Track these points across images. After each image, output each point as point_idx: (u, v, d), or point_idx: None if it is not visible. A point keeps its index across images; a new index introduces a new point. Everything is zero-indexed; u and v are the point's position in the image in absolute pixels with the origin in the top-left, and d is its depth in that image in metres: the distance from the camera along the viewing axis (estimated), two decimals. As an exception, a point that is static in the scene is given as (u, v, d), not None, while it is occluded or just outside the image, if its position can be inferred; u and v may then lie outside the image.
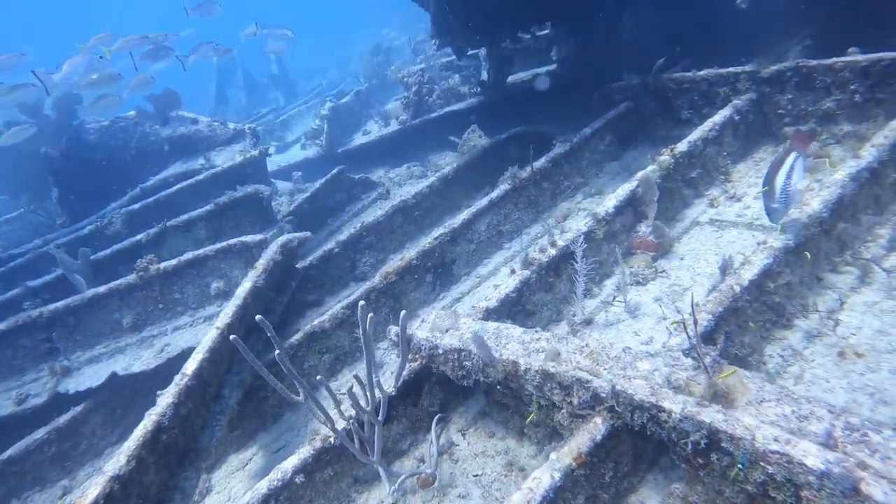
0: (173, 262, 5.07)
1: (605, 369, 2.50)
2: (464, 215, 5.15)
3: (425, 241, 4.99)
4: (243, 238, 5.03)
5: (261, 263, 4.47)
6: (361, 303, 2.67)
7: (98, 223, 6.89)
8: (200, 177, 6.98)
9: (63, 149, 7.34)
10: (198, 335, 4.95)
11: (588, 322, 3.62)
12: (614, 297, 3.70)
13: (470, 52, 8.20)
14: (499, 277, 4.96)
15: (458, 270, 5.10)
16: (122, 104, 7.43)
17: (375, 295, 4.70)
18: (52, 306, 5.12)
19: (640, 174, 4.11)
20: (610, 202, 4.08)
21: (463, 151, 7.26)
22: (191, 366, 3.55)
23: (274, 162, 9.73)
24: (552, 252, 3.88)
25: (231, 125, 7.64)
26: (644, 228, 3.95)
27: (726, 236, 3.81)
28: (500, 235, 5.26)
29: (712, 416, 2.00)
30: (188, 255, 5.07)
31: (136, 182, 7.61)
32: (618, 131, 5.68)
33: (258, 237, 4.98)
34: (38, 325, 5.14)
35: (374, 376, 2.87)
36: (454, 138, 7.71)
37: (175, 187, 6.94)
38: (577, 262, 3.59)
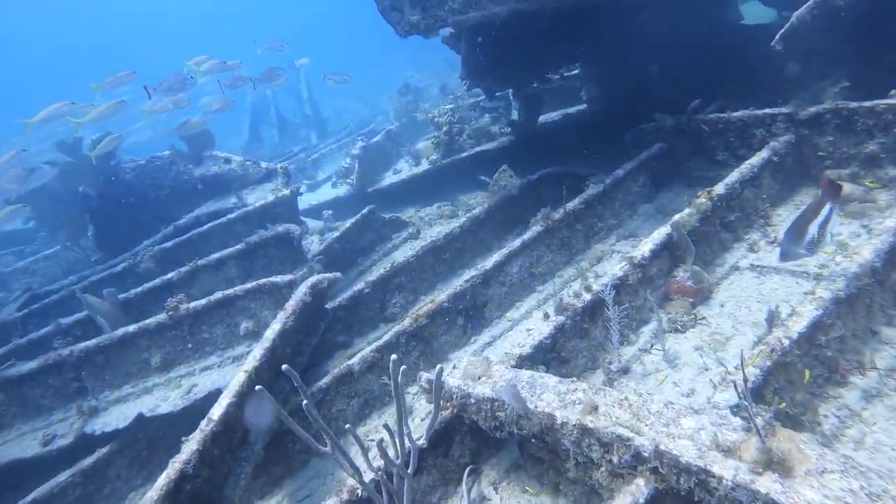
0: (203, 301, 5.08)
1: (646, 426, 2.37)
2: (496, 257, 5.08)
3: (456, 283, 4.92)
4: (273, 278, 5.02)
5: (290, 305, 4.44)
6: (394, 357, 2.59)
7: (131, 261, 6.99)
8: (232, 215, 7.05)
9: (100, 187, 7.52)
10: (225, 376, 4.92)
11: (625, 371, 3.49)
12: (652, 345, 3.57)
13: (499, 93, 8.27)
14: (531, 321, 4.86)
15: (490, 313, 5.01)
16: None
17: (405, 338, 4.62)
18: (82, 345, 5.14)
19: (676, 218, 4.01)
20: (646, 246, 3.97)
21: (494, 191, 7.23)
22: (217, 411, 3.49)
23: (305, 200, 9.83)
24: (587, 297, 3.78)
25: (263, 164, 7.76)
26: (681, 273, 3.83)
27: (769, 283, 3.67)
28: (532, 278, 5.17)
29: (769, 486, 1.86)
30: (218, 295, 5.07)
31: (169, 220, 7.73)
32: (651, 172, 5.60)
33: (288, 277, 4.97)
34: (69, 363, 5.16)
35: (405, 427, 2.78)
36: (485, 178, 7.70)
37: (207, 226, 7.02)
38: (609, 309, 3.48)
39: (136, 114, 8.23)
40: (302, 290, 4.59)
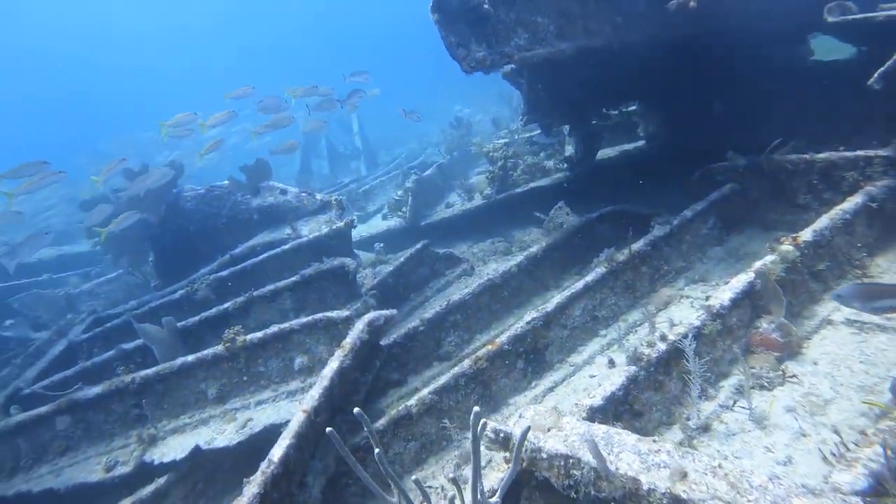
0: (259, 334, 5.05)
1: (748, 501, 2.16)
2: (557, 299, 4.92)
3: (516, 325, 4.77)
4: (329, 314, 4.97)
5: (347, 342, 4.36)
6: (476, 409, 2.46)
7: (188, 288, 7.08)
8: (287, 246, 7.09)
9: (161, 215, 7.70)
10: (280, 411, 4.86)
11: (705, 429, 3.26)
12: (734, 402, 3.33)
13: (556, 129, 8.19)
14: (594, 367, 4.66)
15: (551, 357, 4.83)
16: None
17: (465, 381, 4.48)
18: (143, 373, 5.18)
19: (759, 265, 3.79)
20: (724, 294, 3.76)
21: (549, 228, 7.10)
22: (277, 452, 3.41)
23: (356, 232, 9.86)
24: (661, 347, 3.58)
25: (318, 196, 7.83)
26: (765, 325, 3.59)
27: (873, 342, 3.39)
28: (595, 321, 4.98)
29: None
30: (274, 329, 5.05)
31: (226, 249, 7.84)
32: (721, 214, 5.37)
33: (344, 314, 4.91)
34: (130, 390, 5.20)
35: (479, 484, 2.63)
36: (540, 214, 7.58)
37: (262, 256, 7.08)
38: (689, 361, 3.27)
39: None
40: (359, 328, 4.52)
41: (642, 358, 3.53)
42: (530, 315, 4.84)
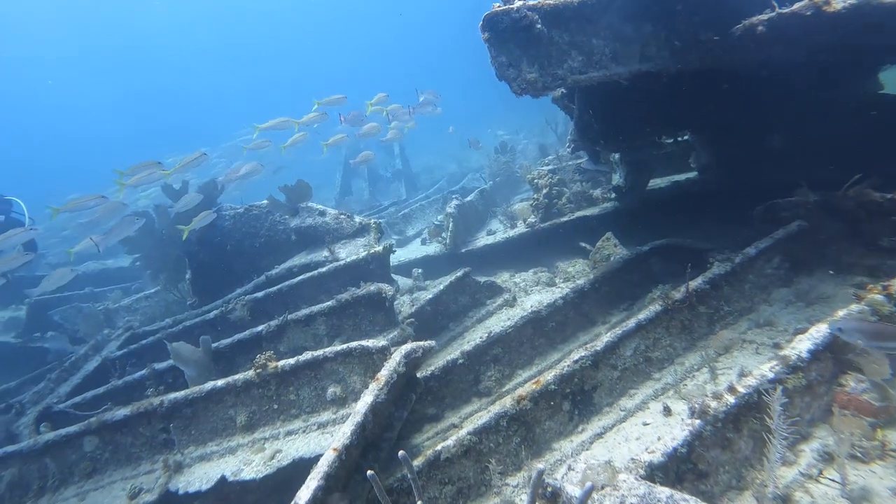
0: (291, 361, 4.85)
1: None
2: (608, 337, 4.59)
3: (563, 364, 4.45)
4: (364, 343, 4.74)
5: (383, 375, 4.11)
6: (539, 466, 2.17)
7: (223, 308, 6.96)
8: (324, 269, 6.93)
9: (200, 233, 7.65)
10: (310, 443, 4.63)
11: (784, 500, 2.88)
12: (820, 471, 2.95)
13: (604, 157, 7.91)
14: (648, 413, 4.31)
15: (600, 400, 4.49)
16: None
17: (506, 421, 4.17)
18: (172, 396, 5.02)
19: (843, 314, 3.41)
20: (803, 343, 3.38)
21: (595, 260, 6.81)
22: (304, 495, 3.15)
23: (394, 257, 9.68)
24: (730, 400, 3.22)
25: (357, 219, 7.67)
26: (853, 384, 3.20)
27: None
28: (648, 363, 4.63)
29: None
30: (307, 356, 4.83)
31: (262, 269, 7.73)
32: (789, 253, 4.98)
33: (380, 343, 4.67)
34: (158, 414, 5.04)
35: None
36: (585, 245, 7.30)
37: (298, 278, 6.93)
38: (772, 419, 2.90)
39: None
40: (395, 360, 4.27)
41: (708, 411, 3.17)
42: (578, 353, 4.52)
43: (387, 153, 21.63)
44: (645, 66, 4.56)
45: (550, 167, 9.40)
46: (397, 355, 4.36)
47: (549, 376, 4.36)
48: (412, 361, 4.47)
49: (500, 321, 6.36)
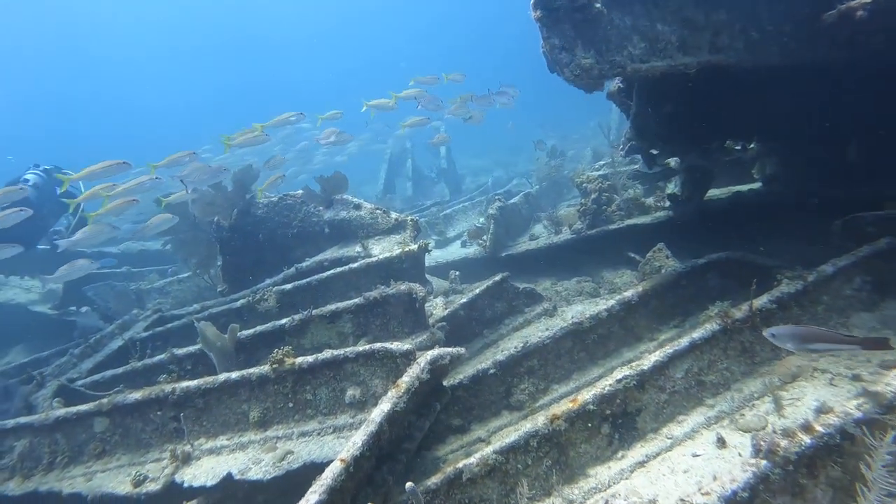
0: (310, 359, 4.54)
1: None
2: (656, 356, 4.11)
3: (605, 382, 4.00)
4: (388, 345, 4.39)
5: (404, 382, 3.75)
6: None
7: (250, 298, 6.74)
8: (355, 265, 6.62)
9: (233, 220, 7.47)
10: (324, 447, 4.30)
11: (873, 567, 2.38)
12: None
13: (660, 163, 7.39)
14: (698, 443, 3.80)
15: (644, 424, 4.02)
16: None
17: (537, 442, 3.75)
18: (184, 384, 4.78)
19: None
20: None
21: (645, 272, 6.31)
22: (304, 510, 2.81)
23: (432, 257, 9.37)
24: (805, 440, 2.72)
25: (393, 215, 7.35)
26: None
27: None
28: (701, 387, 4.13)
29: None
30: (326, 355, 4.52)
31: (293, 261, 7.49)
32: (873, 274, 4.40)
33: (405, 347, 4.31)
34: (170, 401, 4.81)
35: None
36: (634, 255, 6.81)
37: (328, 272, 6.64)
38: (872, 468, 2.40)
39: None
40: (420, 366, 3.90)
41: (776, 450, 2.69)
42: (622, 371, 4.07)
43: (433, 153, 21.37)
44: (715, 58, 4.08)
45: (601, 172, 8.90)
46: (422, 361, 3.99)
47: (587, 395, 3.92)
48: (438, 369, 4.10)
49: (537, 331, 5.94)
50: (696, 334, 4.21)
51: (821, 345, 3.23)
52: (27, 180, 9.33)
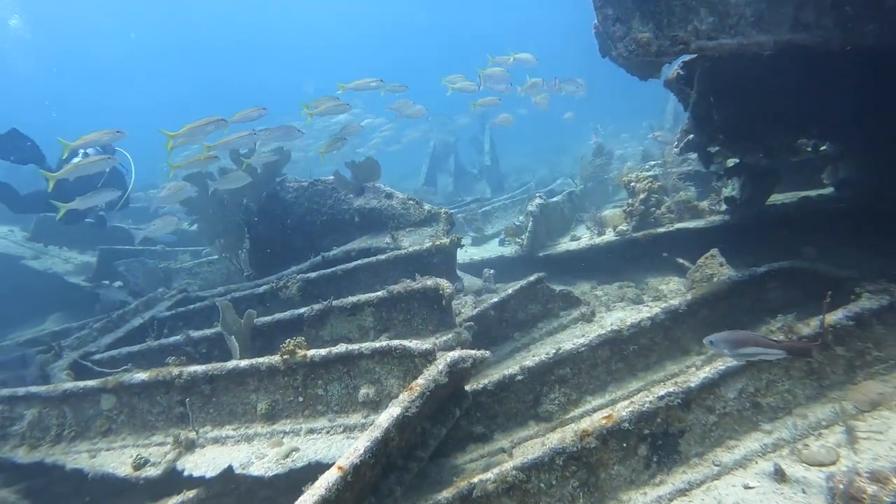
0: (323, 352, 4.21)
1: None
2: (706, 372, 3.63)
3: (645, 398, 3.54)
4: (407, 343, 4.02)
5: (419, 384, 3.37)
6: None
7: (274, 284, 6.49)
8: (383, 257, 6.30)
9: (262, 203, 7.23)
10: (331, 447, 3.98)
11: None
12: None
13: (718, 161, 6.81)
14: (751, 473, 3.32)
15: (687, 448, 3.54)
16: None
17: (563, 460, 3.32)
18: (192, 368, 4.53)
19: None
20: None
21: (694, 279, 5.79)
22: (291, 522, 2.46)
23: (468, 254, 8.99)
24: None
25: (426, 206, 6.99)
26: None
27: None
28: (757, 410, 3.63)
29: None
30: (340, 349, 4.18)
31: (321, 249, 7.23)
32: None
33: (424, 346, 3.94)
34: (177, 385, 4.57)
35: None
36: (683, 261, 6.29)
37: (355, 263, 6.34)
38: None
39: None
40: (438, 368, 3.51)
41: (861, 498, 2.20)
42: (664, 388, 3.59)
43: (476, 150, 20.95)
44: (798, 37, 3.54)
45: (652, 173, 8.33)
46: (441, 363, 3.60)
47: (624, 412, 3.46)
48: (458, 372, 3.70)
49: (572, 337, 5.47)
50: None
51: (752, 349, 3.18)
52: (87, 154, 9.33)
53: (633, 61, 3.59)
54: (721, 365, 3.66)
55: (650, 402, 3.50)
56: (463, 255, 8.92)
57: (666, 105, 16.50)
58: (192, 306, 6.99)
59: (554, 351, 4.56)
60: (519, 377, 4.47)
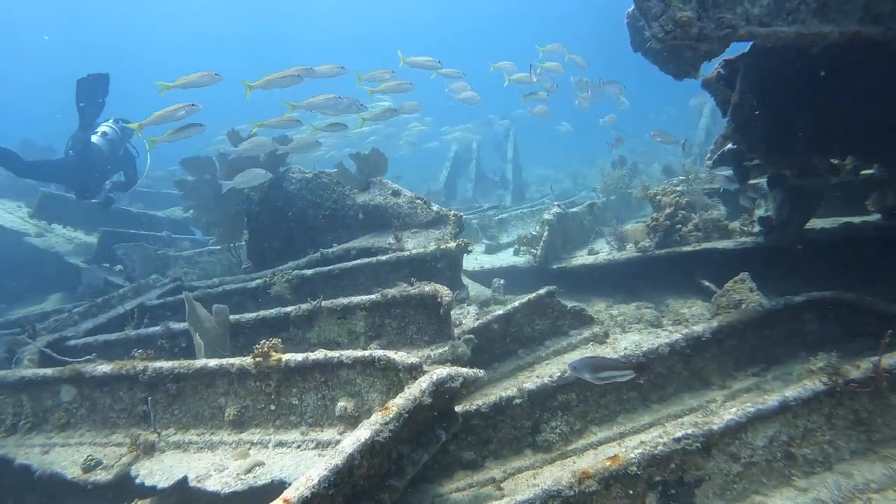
0: (299, 357, 3.78)
1: None
2: (732, 413, 3.12)
3: (658, 439, 3.04)
4: (391, 354, 3.58)
5: (396, 405, 2.90)
6: None
7: (268, 279, 6.08)
8: (384, 258, 5.87)
9: (263, 193, 6.84)
10: (300, 464, 3.55)
11: None
12: None
13: (755, 177, 6.28)
14: (778, 539, 2.80)
15: (704, 501, 3.03)
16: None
17: (559, 505, 2.84)
18: (157, 364, 4.13)
19: None
20: None
21: (720, 304, 5.28)
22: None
23: (479, 261, 8.53)
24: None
25: (435, 207, 6.54)
26: None
27: None
28: (791, 462, 3.10)
29: None
30: (319, 356, 3.75)
31: (322, 245, 6.80)
32: None
33: (410, 360, 3.49)
34: (141, 381, 4.17)
35: None
36: (709, 284, 5.78)
37: (353, 262, 5.92)
38: None
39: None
40: (420, 387, 3.05)
41: None
42: (682, 429, 3.08)
43: (500, 157, 20.48)
44: (867, 30, 3.03)
45: (679, 188, 7.80)
46: (425, 381, 3.13)
47: (632, 453, 2.97)
48: (445, 392, 3.23)
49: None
50: (791, 392, 3.18)
51: (610, 373, 3.26)
52: (105, 134, 9.07)
53: (667, 48, 3.09)
54: (751, 406, 3.14)
55: (664, 443, 3.00)
56: (473, 263, 8.46)
57: (699, 121, 15.92)
58: (182, 296, 6.60)
59: (559, 373, 4.09)
60: (518, 400, 4.01)
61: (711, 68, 4.59)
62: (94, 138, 8.81)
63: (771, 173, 5.53)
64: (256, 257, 7.33)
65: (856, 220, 6.01)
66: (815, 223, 6.17)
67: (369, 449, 2.67)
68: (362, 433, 2.67)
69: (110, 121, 9.32)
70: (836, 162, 4.98)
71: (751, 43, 4.04)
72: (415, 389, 3.05)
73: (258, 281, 6.20)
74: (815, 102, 4.03)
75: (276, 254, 7.12)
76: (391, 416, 2.81)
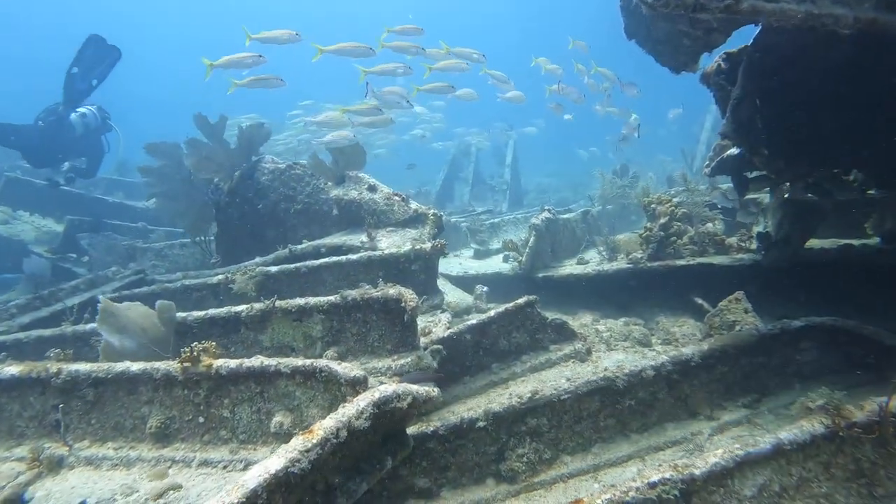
0: (233, 364, 3.35)
1: None
2: (717, 457, 2.68)
3: (633, 483, 2.61)
4: (334, 366, 3.15)
5: (324, 428, 2.46)
6: None
7: (228, 276, 5.64)
8: (354, 257, 5.45)
9: (234, 183, 6.41)
10: (223, 490, 3.07)
11: None
12: None
13: (755, 189, 5.86)
14: None
15: (680, 560, 2.59)
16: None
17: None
18: (73, 367, 3.67)
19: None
20: None
21: (713, 325, 4.88)
22: None
23: (464, 266, 8.11)
24: None
25: (413, 205, 6.11)
26: None
27: None
28: (782, 518, 2.67)
29: None
30: (255, 363, 3.31)
31: (295, 241, 6.37)
32: None
33: (354, 373, 3.06)
34: (55, 386, 3.70)
35: None
36: (702, 302, 5.38)
37: (321, 261, 5.49)
38: None
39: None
40: (357, 408, 2.61)
41: None
42: (659, 472, 2.65)
43: (499, 162, 20.07)
44: (884, 19, 2.62)
45: (677, 199, 7.40)
46: (364, 400, 2.69)
47: (599, 499, 2.53)
48: (388, 414, 2.79)
49: (559, 378, 4.53)
50: (786, 434, 2.75)
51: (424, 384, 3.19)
52: (85, 115, 8.69)
53: (663, 25, 2.67)
54: (739, 448, 2.72)
55: (637, 488, 2.58)
56: (458, 268, 8.06)
57: (700, 134, 15.54)
58: (138, 290, 6.17)
59: (530, 394, 3.67)
60: (481, 423, 3.61)
61: (712, 61, 4.17)
62: (73, 116, 8.46)
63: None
64: (225, 252, 6.90)
65: (855, 242, 5.62)
66: (814, 243, 5.78)
67: (281, 483, 2.23)
68: (273, 463, 2.23)
69: (95, 106, 8.96)
70: (842, 175, 4.55)
71: (754, 36, 3.65)
72: (350, 409, 2.61)
73: (220, 277, 5.77)
74: (824, 102, 3.61)
75: (247, 250, 6.68)
76: (314, 441, 2.37)
